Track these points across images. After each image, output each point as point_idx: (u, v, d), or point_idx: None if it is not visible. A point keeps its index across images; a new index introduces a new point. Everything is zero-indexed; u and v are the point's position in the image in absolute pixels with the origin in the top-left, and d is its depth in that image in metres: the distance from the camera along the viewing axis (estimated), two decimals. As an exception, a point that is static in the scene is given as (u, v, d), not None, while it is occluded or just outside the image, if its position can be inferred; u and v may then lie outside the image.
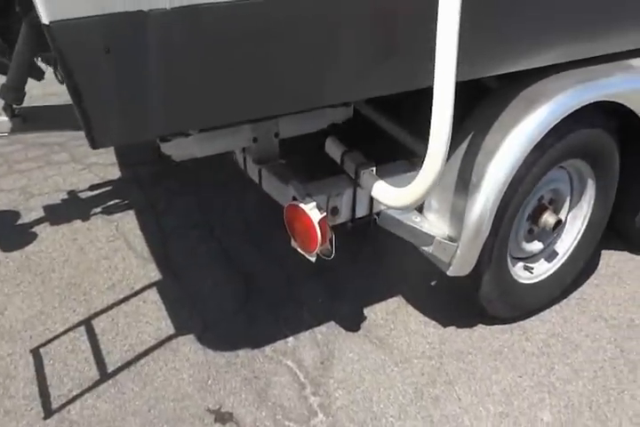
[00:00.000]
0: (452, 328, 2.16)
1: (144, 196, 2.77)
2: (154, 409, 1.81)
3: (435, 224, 1.83)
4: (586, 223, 2.14)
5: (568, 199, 2.10)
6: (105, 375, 1.90)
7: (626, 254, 2.52)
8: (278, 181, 1.92)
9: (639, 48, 1.85)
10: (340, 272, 2.37)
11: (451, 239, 1.76)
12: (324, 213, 1.63)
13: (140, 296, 2.21)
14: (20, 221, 2.59)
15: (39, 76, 2.00)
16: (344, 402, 1.87)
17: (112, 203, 2.70)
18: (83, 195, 2.76)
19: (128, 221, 2.60)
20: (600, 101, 1.76)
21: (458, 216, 1.74)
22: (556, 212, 2.05)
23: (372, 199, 1.81)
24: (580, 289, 2.33)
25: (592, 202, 2.11)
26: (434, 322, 2.18)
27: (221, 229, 2.59)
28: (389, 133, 2.12)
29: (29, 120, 1.85)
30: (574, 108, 1.70)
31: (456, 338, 2.12)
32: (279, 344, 2.06)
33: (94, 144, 1.15)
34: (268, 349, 2.04)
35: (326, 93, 1.40)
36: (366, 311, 2.22)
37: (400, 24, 1.35)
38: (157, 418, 1.79)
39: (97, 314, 2.12)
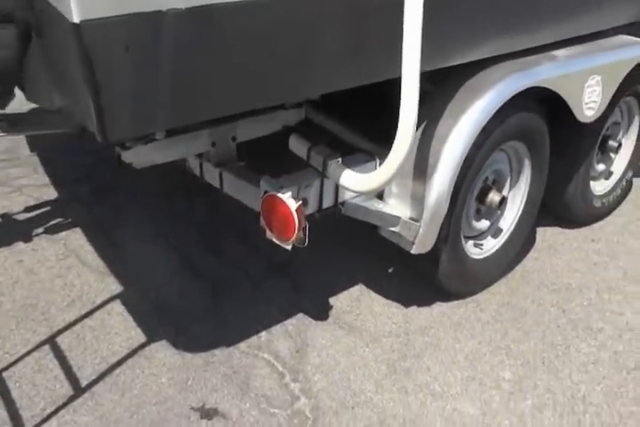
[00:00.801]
0: (413, 307, 2.34)
1: (88, 212, 2.75)
2: (136, 415, 1.83)
3: (396, 208, 2.01)
4: (525, 200, 2.42)
5: (509, 179, 2.37)
6: (79, 390, 1.89)
7: (557, 229, 2.85)
8: (243, 181, 2.04)
9: (560, 40, 2.18)
10: (301, 267, 2.49)
11: (413, 220, 1.95)
12: (300, 202, 1.77)
13: (104, 309, 2.21)
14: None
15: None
16: (323, 384, 1.98)
17: (54, 222, 2.66)
18: (19, 217, 2.69)
19: (76, 238, 2.58)
20: (532, 88, 2.03)
21: (418, 198, 1.93)
22: (499, 190, 2.30)
23: (337, 190, 1.98)
24: (522, 262, 2.61)
25: (529, 180, 2.38)
26: (396, 303, 2.35)
27: (176, 237, 2.63)
28: (335, 134, 2.30)
29: (18, 124, 1.82)
30: (512, 95, 1.96)
31: (418, 316, 2.30)
32: (253, 340, 2.14)
33: (106, 137, 1.23)
34: (242, 345, 2.11)
35: (310, 85, 1.58)
36: (332, 301, 2.35)
37: (370, 22, 1.54)
38: (141, 423, 1.81)
39: (60, 331, 2.10)
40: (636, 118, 2.80)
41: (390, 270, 2.53)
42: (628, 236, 2.84)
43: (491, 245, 2.41)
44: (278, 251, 2.48)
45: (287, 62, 1.47)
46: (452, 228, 2.10)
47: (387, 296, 2.39)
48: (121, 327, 2.14)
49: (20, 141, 3.11)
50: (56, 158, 3.12)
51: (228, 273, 2.45)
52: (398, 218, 1.97)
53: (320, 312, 2.28)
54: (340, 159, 1.91)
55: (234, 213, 2.73)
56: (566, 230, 2.85)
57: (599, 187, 2.83)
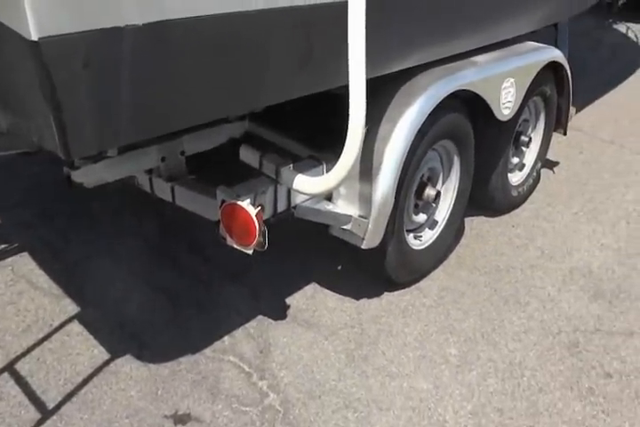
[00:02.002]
0: (364, 300, 2.42)
1: (35, 236, 2.64)
2: (110, 430, 1.78)
3: (345, 208, 2.09)
4: (456, 193, 2.58)
5: (441, 175, 2.51)
6: (46, 413, 1.82)
7: (482, 218, 3.05)
8: (197, 193, 2.05)
9: (479, 47, 2.38)
10: (255, 272, 2.51)
11: (362, 217, 2.03)
12: (259, 208, 1.80)
13: (63, 331, 2.13)
14: None
15: None
16: (289, 379, 2.02)
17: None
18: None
19: (24, 262, 2.46)
20: (458, 90, 2.19)
21: (365, 197, 2.02)
22: (434, 185, 2.44)
23: (289, 195, 2.05)
24: (455, 250, 2.76)
25: (458, 175, 2.55)
26: (348, 297, 2.43)
27: (127, 253, 2.58)
28: (278, 144, 2.36)
29: None
30: (442, 98, 2.11)
31: (369, 306, 2.39)
32: (217, 345, 2.14)
33: (69, 154, 1.20)
34: (207, 351, 2.11)
35: (266, 94, 1.61)
36: (288, 301, 2.39)
37: (316, 33, 1.61)
38: (115, 437, 1.76)
39: (19, 358, 2.00)
40: (542, 115, 3.05)
41: (339, 267, 2.60)
42: (542, 220, 3.08)
43: (429, 237, 2.55)
44: (231, 258, 2.53)
45: (241, 74, 1.49)
46: (396, 223, 2.21)
47: (339, 292, 2.46)
48: (83, 347, 2.07)
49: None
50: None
51: (185, 284, 2.44)
52: (349, 216, 2.05)
53: (278, 313, 2.32)
54: (291, 166, 1.97)
55: (184, 225, 2.74)
56: (490, 219, 3.05)
57: (515, 178, 3.05)
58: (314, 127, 2.35)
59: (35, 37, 1.04)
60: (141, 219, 2.80)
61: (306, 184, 1.87)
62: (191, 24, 1.28)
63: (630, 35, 6.11)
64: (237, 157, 2.20)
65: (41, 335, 2.10)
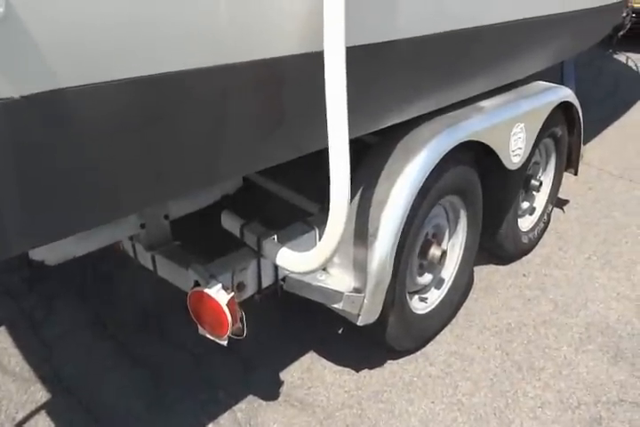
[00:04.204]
0: (364, 371, 2.18)
1: (17, 306, 2.40)
2: None
3: (339, 278, 1.85)
4: (463, 248, 2.33)
5: (447, 231, 2.27)
6: None
7: (491, 267, 2.80)
8: (176, 265, 1.79)
9: (484, 92, 2.14)
10: (247, 343, 2.23)
11: (357, 291, 1.80)
12: (232, 293, 1.55)
13: (27, 426, 1.86)
14: None
15: None
16: (281, 478, 1.76)
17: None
18: None
19: (0, 340, 2.20)
20: (463, 142, 1.94)
21: (360, 267, 1.78)
22: (439, 243, 2.19)
23: (276, 267, 1.79)
24: (464, 305, 2.52)
25: (465, 229, 2.30)
26: (347, 369, 2.18)
27: (114, 324, 2.34)
28: (280, 196, 2.10)
29: None
30: (446, 151, 1.86)
31: (370, 380, 2.14)
32: (201, 435, 1.88)
33: (7, 252, 0.93)
34: (189, 443, 1.85)
35: (222, 169, 1.31)
36: (282, 375, 2.15)
37: (288, 94, 1.32)
38: None
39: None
40: (553, 157, 2.81)
41: (340, 331, 2.35)
42: (554, 267, 2.83)
43: (435, 297, 2.30)
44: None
45: (173, 149, 1.14)
46: (397, 291, 1.97)
47: (338, 362, 2.21)
48: (49, 445, 1.82)
49: None
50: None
51: (173, 358, 2.19)
52: (341, 294, 1.80)
53: (270, 390, 2.07)
54: (275, 236, 1.71)
55: (175, 291, 2.48)
56: (499, 267, 2.80)
57: (525, 223, 2.81)
58: (320, 177, 2.10)
59: None
60: (132, 284, 2.54)
61: (289, 261, 1.60)
62: (98, 91, 0.94)
63: (630, 64, 5.96)
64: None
65: (2, 432, 1.85)
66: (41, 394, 1.99)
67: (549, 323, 2.45)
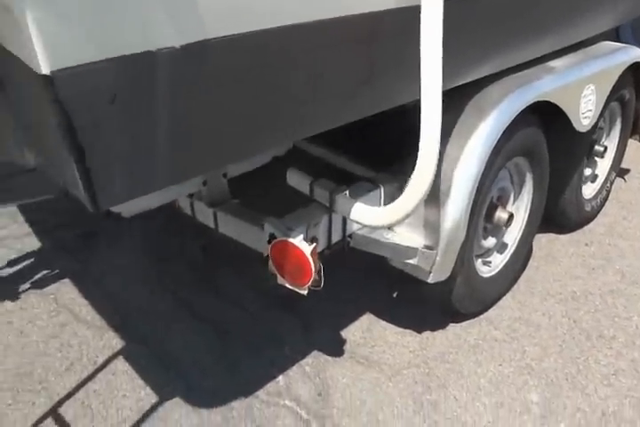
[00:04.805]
0: (427, 333, 2.17)
1: (76, 261, 2.48)
2: (162, 489, 1.60)
3: (407, 237, 1.84)
4: (528, 212, 2.28)
5: (512, 194, 2.23)
6: (92, 466, 1.65)
7: (551, 235, 2.74)
8: (242, 221, 1.83)
9: (554, 50, 2.08)
10: (305, 301, 2.27)
11: (428, 248, 1.78)
12: (314, 244, 1.58)
13: (108, 369, 1.96)
14: None
15: None
16: (353, 429, 1.80)
17: (41, 275, 2.38)
18: (2, 273, 2.40)
19: (66, 291, 2.31)
20: (533, 102, 1.89)
21: (432, 225, 1.76)
22: (504, 207, 2.15)
23: (345, 223, 1.79)
24: (525, 273, 2.48)
25: (531, 192, 2.25)
26: (409, 331, 2.18)
27: (171, 279, 2.40)
28: (327, 160, 2.12)
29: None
30: (519, 110, 1.82)
31: (434, 341, 2.14)
32: (271, 386, 1.94)
33: (97, 206, 0.98)
34: (261, 393, 1.91)
35: (318, 121, 1.36)
36: (343, 334, 2.17)
37: (380, 46, 1.35)
38: None
39: (62, 401, 1.84)
40: (618, 122, 2.72)
41: (395, 295, 2.36)
42: (617, 237, 2.76)
43: (498, 262, 2.27)
44: (278, 287, 2.31)
45: (295, 99, 1.25)
46: (466, 251, 1.94)
47: (397, 324, 2.22)
48: (128, 388, 1.90)
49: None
50: (34, 205, 2.83)
51: (231, 314, 2.23)
52: (415, 249, 1.80)
53: (334, 348, 2.10)
54: (347, 192, 1.71)
55: (227, 250, 2.54)
56: (560, 236, 2.75)
57: (588, 190, 2.74)
58: (366, 142, 2.10)
59: (46, 71, 0.81)
60: (184, 242, 2.61)
61: (366, 215, 1.59)
62: (238, 42, 1.04)
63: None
64: (283, 178, 1.97)
65: (85, 374, 1.94)
66: (115, 341, 2.07)
67: (617, 293, 2.40)
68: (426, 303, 2.22)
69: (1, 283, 2.36)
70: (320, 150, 2.16)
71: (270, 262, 1.70)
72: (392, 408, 1.87)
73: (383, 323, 2.22)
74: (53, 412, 1.80)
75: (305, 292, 1.66)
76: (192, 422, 1.79)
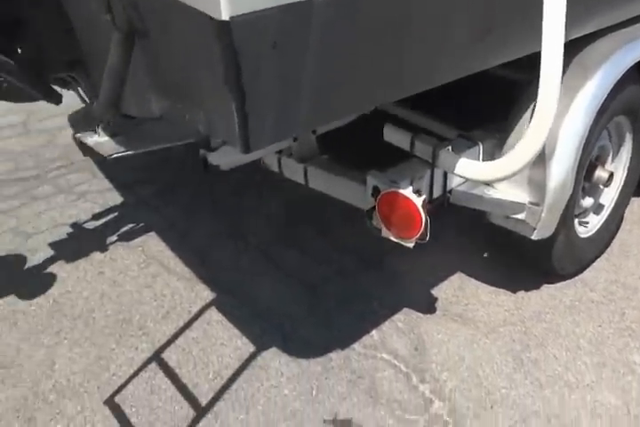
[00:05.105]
0: (521, 293, 2.12)
1: (158, 215, 2.50)
2: (268, 434, 1.62)
3: (511, 193, 1.78)
4: (625, 173, 2.19)
5: (610, 153, 2.13)
6: (201, 410, 1.67)
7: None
8: (336, 176, 1.82)
9: None
10: (392, 258, 2.26)
11: (533, 204, 1.72)
12: (424, 196, 1.55)
13: (202, 319, 1.98)
14: (28, 265, 2.24)
15: (58, 99, 1.77)
16: (454, 383, 1.78)
17: (127, 229, 2.41)
18: (89, 225, 2.44)
19: (154, 243, 2.33)
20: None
21: (537, 182, 1.70)
22: (603, 166, 2.06)
23: (445, 178, 1.76)
24: (618, 236, 2.38)
25: (630, 152, 2.15)
26: (502, 290, 2.14)
27: (254, 235, 2.39)
28: (411, 121, 2.07)
29: (131, 138, 1.57)
30: (627, 68, 1.74)
31: (529, 301, 2.09)
32: (366, 339, 1.92)
33: (248, 146, 1.02)
34: (357, 346, 1.90)
35: (442, 72, 1.35)
36: (435, 292, 2.13)
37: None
38: (276, 442, 1.60)
39: (164, 347, 1.87)
40: None
41: (485, 255, 2.31)
42: None
43: (595, 222, 2.19)
44: (364, 243, 2.29)
45: (426, 48, 1.25)
46: (568, 209, 1.87)
47: (490, 283, 2.16)
48: (225, 337, 1.91)
49: (72, 146, 2.83)
50: (112, 160, 2.85)
51: (317, 269, 2.22)
52: (521, 205, 1.74)
53: (426, 305, 2.07)
54: (449, 147, 1.68)
55: (309, 206, 2.53)
56: (653, 199, 2.63)
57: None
58: (451, 103, 2.03)
59: (225, 17, 0.87)
60: (264, 198, 2.60)
61: (474, 170, 1.56)
62: None
63: None
64: (366, 136, 1.94)
65: (181, 323, 1.96)
66: (206, 293, 2.08)
67: None
68: (523, 263, 2.16)
69: (88, 235, 2.40)
70: (406, 112, 2.11)
71: (375, 215, 1.68)
72: (492, 365, 1.84)
73: (475, 282, 2.17)
74: (157, 357, 1.83)
75: (411, 245, 1.64)
76: (292, 371, 1.80)
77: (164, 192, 2.65)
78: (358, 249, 2.30)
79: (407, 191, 1.56)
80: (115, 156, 1.49)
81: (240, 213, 2.54)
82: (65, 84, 1.96)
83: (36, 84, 1.81)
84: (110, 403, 1.69)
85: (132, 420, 1.64)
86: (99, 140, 1.60)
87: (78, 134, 1.67)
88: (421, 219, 1.54)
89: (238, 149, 1.04)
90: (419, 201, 1.55)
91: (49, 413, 1.68)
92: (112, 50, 1.26)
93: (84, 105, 1.96)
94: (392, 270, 2.22)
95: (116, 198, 2.61)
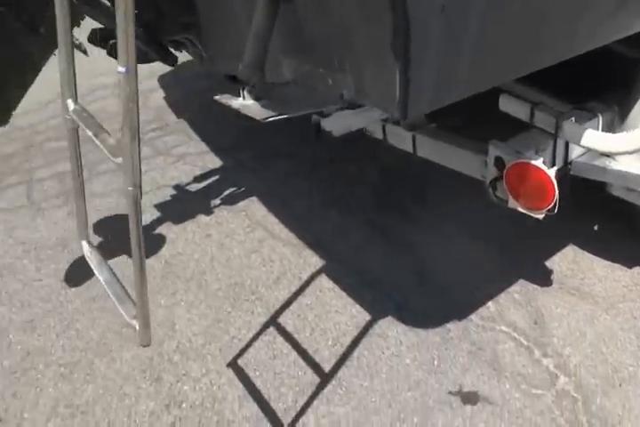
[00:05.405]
0: (637, 268, 2.02)
1: (259, 180, 2.48)
2: (394, 403, 1.62)
3: (632, 165, 1.68)
4: None
5: None
6: (325, 376, 1.69)
7: None
8: (448, 145, 1.81)
9: None
10: (501, 229, 2.18)
11: None
12: (556, 167, 1.49)
13: (313, 285, 1.98)
14: (135, 225, 2.28)
15: (173, 60, 1.76)
16: (578, 359, 1.73)
17: (229, 192, 2.41)
18: (191, 188, 2.45)
19: (257, 208, 2.32)
20: None
21: None
22: None
23: (567, 149, 1.68)
24: None
25: None
26: (617, 265, 2.04)
27: (356, 202, 2.35)
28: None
29: (274, 102, 1.56)
30: None
31: (648, 277, 2.00)
32: (483, 311, 1.89)
33: (406, 112, 0.99)
34: (474, 317, 1.86)
35: (581, 41, 1.28)
36: (549, 264, 2.06)
37: None
38: (403, 412, 1.60)
39: (279, 312, 1.88)
40: None
41: (595, 228, 2.21)
42: None
43: None
44: (469, 212, 2.22)
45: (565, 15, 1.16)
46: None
47: (604, 257, 2.07)
48: (339, 305, 1.91)
49: (164, 108, 2.83)
50: (204, 124, 2.83)
51: (421, 238, 2.17)
52: None
53: (541, 277, 2.00)
54: (573, 118, 1.59)
55: (408, 174, 2.46)
56: None
57: None
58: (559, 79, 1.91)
59: None
60: (362, 166, 2.54)
61: (607, 141, 1.52)
62: None
63: None
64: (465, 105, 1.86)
65: (292, 289, 1.97)
66: (315, 259, 2.07)
67: None
68: (636, 237, 2.06)
69: (192, 197, 2.41)
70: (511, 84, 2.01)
71: (502, 185, 1.62)
72: (615, 341, 1.78)
73: (589, 255, 2.08)
74: (274, 321, 1.85)
75: (541, 216, 1.59)
76: (411, 341, 1.79)
77: (259, 157, 2.62)
78: (463, 218, 2.24)
79: (539, 162, 1.53)
80: (269, 120, 1.45)
81: (340, 180, 2.49)
82: (178, 46, 1.94)
83: (153, 45, 1.80)
84: (234, 366, 1.72)
85: (257, 384, 1.67)
86: (245, 103, 1.58)
87: (218, 97, 1.64)
88: (554, 190, 1.50)
89: (394, 114, 1.01)
90: (551, 172, 1.51)
91: (175, 374, 1.73)
92: (257, 10, 1.20)
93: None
94: (503, 241, 2.14)
95: (214, 161, 2.60)
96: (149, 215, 2.31)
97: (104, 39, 1.72)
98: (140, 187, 1.14)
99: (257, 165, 2.57)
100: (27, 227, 2.41)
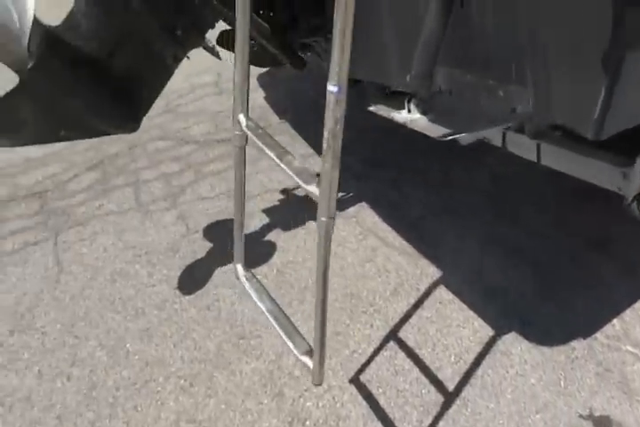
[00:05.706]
0: None
1: (367, 186, 2.46)
2: (523, 426, 1.63)
3: None
4: None
5: None
6: (449, 396, 1.70)
7: None
8: (581, 156, 1.66)
9: None
10: (619, 242, 2.09)
11: None
12: None
13: (433, 297, 1.98)
14: (246, 231, 2.33)
15: (302, 64, 1.84)
16: None
17: (338, 197, 2.40)
18: (298, 192, 2.47)
19: (367, 214, 2.32)
20: None
21: None
22: None
23: None
24: None
25: None
26: None
27: (470, 210, 2.30)
28: None
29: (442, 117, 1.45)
30: None
31: None
32: (608, 329, 1.84)
33: (600, 132, 0.94)
34: (599, 336, 1.82)
35: None
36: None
37: None
38: (533, 433, 1.61)
39: (399, 326, 1.91)
40: None
41: None
42: None
43: None
44: (589, 224, 2.13)
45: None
46: None
47: None
48: (460, 318, 1.91)
49: (266, 108, 2.82)
50: (307, 125, 2.81)
51: (541, 249, 2.11)
52: None
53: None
54: None
55: (520, 181, 2.38)
56: None
57: None
58: None
59: None
60: (472, 174, 2.47)
61: None
62: None
63: None
64: None
65: (411, 301, 1.98)
66: (432, 270, 2.06)
67: None
68: None
69: (299, 202, 2.43)
70: None
71: None
72: None
73: None
74: (394, 335, 1.87)
75: None
76: (535, 360, 1.77)
77: (369, 163, 2.59)
78: (584, 230, 2.15)
79: None
80: (447, 138, 1.28)
81: (452, 188, 2.44)
82: (304, 49, 1.93)
83: (284, 48, 1.79)
84: (356, 382, 1.75)
85: (381, 402, 1.70)
86: (412, 117, 1.40)
87: (373, 108, 1.51)
88: None
89: (586, 133, 0.95)
90: None
91: (296, 389, 1.73)
92: (429, 16, 1.15)
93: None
94: (623, 254, 2.06)
95: (319, 164, 2.58)
96: (258, 220, 2.36)
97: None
98: (334, 218, 1.06)
99: (364, 170, 2.55)
100: (136, 230, 2.42)
